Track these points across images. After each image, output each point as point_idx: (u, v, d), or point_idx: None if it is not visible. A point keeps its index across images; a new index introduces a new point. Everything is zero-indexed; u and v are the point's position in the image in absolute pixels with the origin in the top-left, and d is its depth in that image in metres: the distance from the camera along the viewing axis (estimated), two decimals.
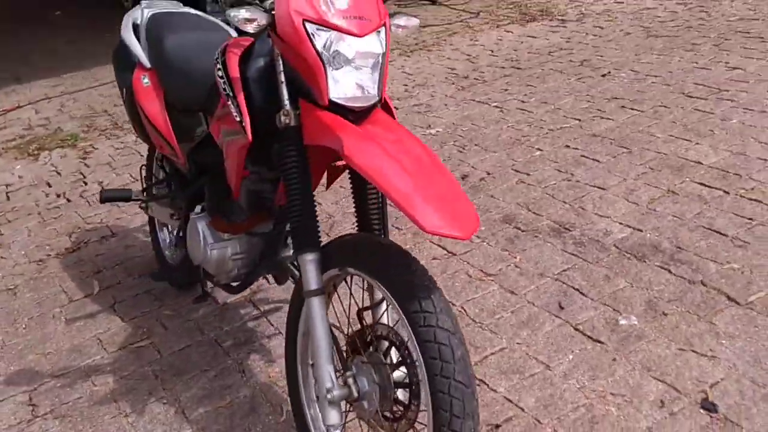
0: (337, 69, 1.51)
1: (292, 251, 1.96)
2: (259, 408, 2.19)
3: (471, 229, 1.36)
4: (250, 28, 1.55)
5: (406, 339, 1.48)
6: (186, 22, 2.43)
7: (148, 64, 2.35)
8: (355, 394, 1.57)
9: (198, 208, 2.19)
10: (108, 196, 2.62)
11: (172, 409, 2.23)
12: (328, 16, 1.49)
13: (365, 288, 1.72)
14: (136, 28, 2.47)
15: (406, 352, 1.50)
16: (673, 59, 5.02)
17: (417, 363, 1.44)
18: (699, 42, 5.36)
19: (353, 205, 1.77)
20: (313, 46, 1.50)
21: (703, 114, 3.97)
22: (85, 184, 4.16)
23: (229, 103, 1.73)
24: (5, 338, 2.74)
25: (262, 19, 1.55)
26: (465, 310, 2.56)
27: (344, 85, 1.52)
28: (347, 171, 1.78)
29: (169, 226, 2.88)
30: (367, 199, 1.71)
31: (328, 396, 1.54)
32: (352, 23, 1.51)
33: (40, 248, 3.44)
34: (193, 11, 2.55)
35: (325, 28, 1.50)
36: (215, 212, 2.10)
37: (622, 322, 2.39)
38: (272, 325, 2.61)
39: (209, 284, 2.46)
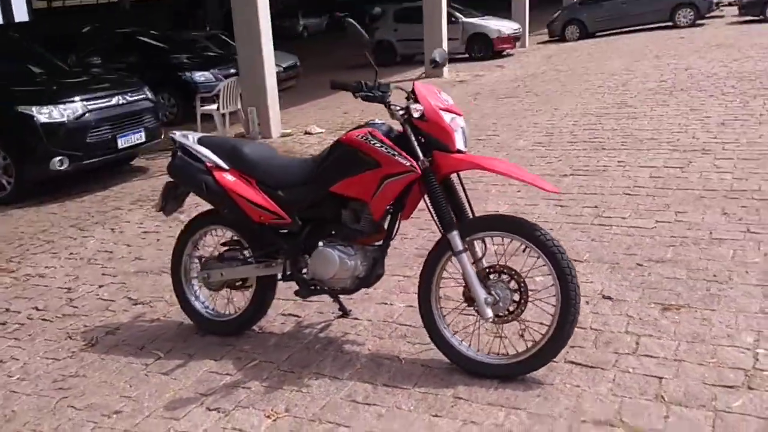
0: (455, 131, 2.89)
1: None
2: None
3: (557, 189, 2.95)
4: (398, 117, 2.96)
5: (518, 269, 2.88)
6: (225, 140, 3.54)
7: (226, 166, 3.28)
8: (497, 299, 2.88)
9: (321, 243, 3.17)
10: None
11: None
12: (448, 107, 2.92)
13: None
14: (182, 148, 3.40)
15: (517, 276, 2.87)
16: None
17: (551, 276, 2.80)
18: None
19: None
20: (445, 121, 2.86)
21: None
22: None
23: (397, 158, 2.88)
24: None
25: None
26: None
27: (459, 140, 2.90)
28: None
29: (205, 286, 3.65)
30: (459, 199, 3.01)
31: (488, 299, 2.86)
32: (455, 109, 2.95)
33: None
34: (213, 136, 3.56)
35: (448, 113, 2.89)
36: (353, 236, 3.13)
37: None
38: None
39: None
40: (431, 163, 2.89)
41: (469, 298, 2.96)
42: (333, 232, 3.19)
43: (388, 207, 3.02)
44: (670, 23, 18.73)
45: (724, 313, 3.26)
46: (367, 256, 3.12)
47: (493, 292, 2.87)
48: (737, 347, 2.97)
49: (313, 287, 3.26)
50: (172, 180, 3.55)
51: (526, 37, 19.06)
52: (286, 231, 3.29)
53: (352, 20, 3.02)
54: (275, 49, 9.49)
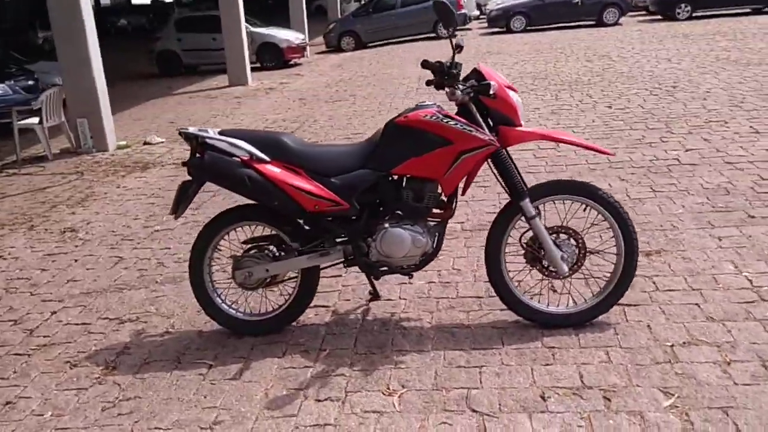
0: (520, 107, 3.12)
1: None
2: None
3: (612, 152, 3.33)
4: (460, 99, 3.10)
5: (578, 229, 3.20)
6: (253, 132, 3.35)
7: (267, 158, 3.15)
8: (565, 255, 3.15)
9: (386, 224, 3.19)
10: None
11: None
12: (509, 84, 3.11)
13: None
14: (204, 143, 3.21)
15: (575, 233, 3.17)
16: None
17: (614, 234, 3.15)
18: None
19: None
20: (512, 98, 3.08)
21: None
22: None
23: (474, 133, 3.02)
24: None
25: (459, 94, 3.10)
26: None
27: (522, 115, 3.13)
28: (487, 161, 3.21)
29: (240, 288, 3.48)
30: (511, 170, 3.15)
31: (563, 256, 3.14)
32: (514, 87, 3.14)
33: None
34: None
35: (511, 90, 3.09)
36: (421, 213, 3.18)
37: None
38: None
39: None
40: (497, 137, 3.08)
41: (534, 259, 3.19)
42: (399, 212, 3.21)
43: (460, 181, 3.14)
44: (433, 34, 20.40)
45: (695, 252, 3.87)
46: (432, 232, 3.20)
47: (563, 250, 3.13)
48: (728, 274, 3.57)
49: (383, 268, 3.25)
50: (189, 180, 3.28)
51: (307, 48, 19.48)
52: (340, 217, 3.24)
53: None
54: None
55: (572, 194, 3.14)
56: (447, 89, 3.12)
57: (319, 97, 11.33)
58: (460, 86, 3.07)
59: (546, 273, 3.20)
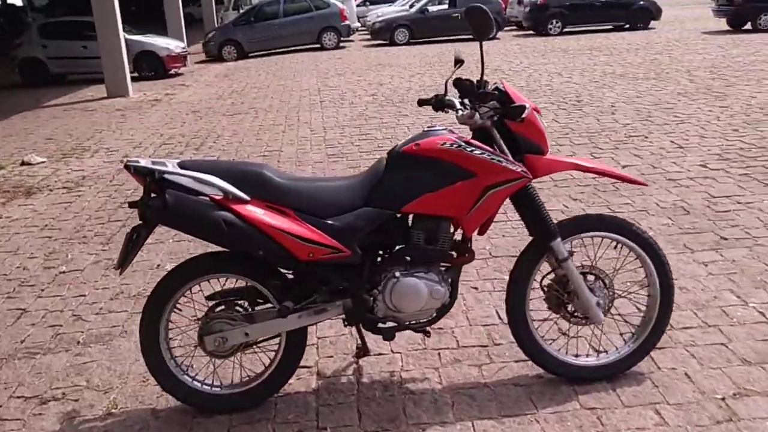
0: (546, 132, 2.66)
1: None
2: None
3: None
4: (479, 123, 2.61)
5: (608, 271, 2.79)
6: (223, 163, 2.66)
7: (246, 197, 2.50)
8: (600, 301, 2.74)
9: (397, 273, 2.62)
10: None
11: None
12: (535, 106, 2.62)
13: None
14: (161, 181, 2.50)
15: (603, 274, 2.76)
16: None
17: (647, 273, 2.77)
18: None
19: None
20: (540, 122, 2.62)
21: None
22: None
23: (504, 164, 2.53)
24: None
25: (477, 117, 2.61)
26: None
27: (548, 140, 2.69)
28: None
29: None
30: (541, 206, 2.70)
31: (599, 303, 2.73)
32: (537, 107, 2.66)
33: None
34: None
35: (536, 112, 2.62)
36: (436, 258, 2.65)
37: None
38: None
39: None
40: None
41: (558, 305, 2.76)
42: (407, 257, 2.66)
43: (485, 221, 2.64)
44: (318, 45, 19.84)
45: (688, 280, 3.61)
46: (445, 279, 2.68)
47: (597, 294, 2.72)
48: (735, 306, 3.32)
49: (394, 325, 2.68)
50: (137, 226, 2.57)
51: (188, 57, 18.28)
52: (338, 266, 2.64)
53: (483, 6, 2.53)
54: None
55: (604, 231, 2.72)
56: (461, 111, 2.62)
57: (214, 110, 10.45)
58: (482, 108, 2.58)
59: (573, 320, 2.78)
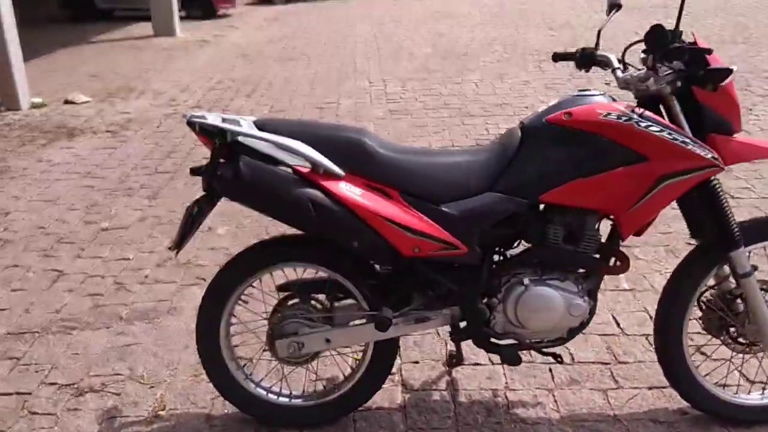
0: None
1: None
2: None
3: None
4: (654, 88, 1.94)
5: None
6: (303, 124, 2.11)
7: (340, 171, 1.94)
8: None
9: (525, 279, 2.05)
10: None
11: None
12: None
13: None
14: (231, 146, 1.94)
15: None
16: None
17: None
18: None
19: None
20: (736, 92, 1.95)
21: None
22: None
23: (690, 147, 1.89)
24: None
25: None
26: None
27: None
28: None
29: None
30: (722, 203, 2.04)
31: None
32: None
33: None
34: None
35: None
36: (580, 262, 2.07)
37: None
38: None
39: None
40: None
41: (720, 327, 2.17)
42: (539, 260, 2.07)
43: (650, 220, 2.04)
44: None
45: None
46: (584, 290, 2.10)
47: None
48: None
49: (515, 343, 2.13)
50: (200, 198, 2.03)
51: None
52: (449, 265, 2.07)
53: None
54: None
55: None
56: (620, 71, 2.01)
57: (264, 55, 9.84)
58: (662, 69, 1.94)
59: (736, 347, 2.18)
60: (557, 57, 2.30)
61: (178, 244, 2.06)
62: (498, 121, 5.86)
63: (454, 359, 2.42)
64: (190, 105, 6.91)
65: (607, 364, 2.52)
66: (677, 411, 2.26)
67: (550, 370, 2.49)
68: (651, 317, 2.67)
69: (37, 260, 3.56)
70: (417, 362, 2.58)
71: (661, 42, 1.84)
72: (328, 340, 2.11)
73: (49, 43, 11.36)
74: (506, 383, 2.43)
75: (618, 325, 2.76)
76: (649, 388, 2.36)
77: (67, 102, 7.24)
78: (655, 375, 2.37)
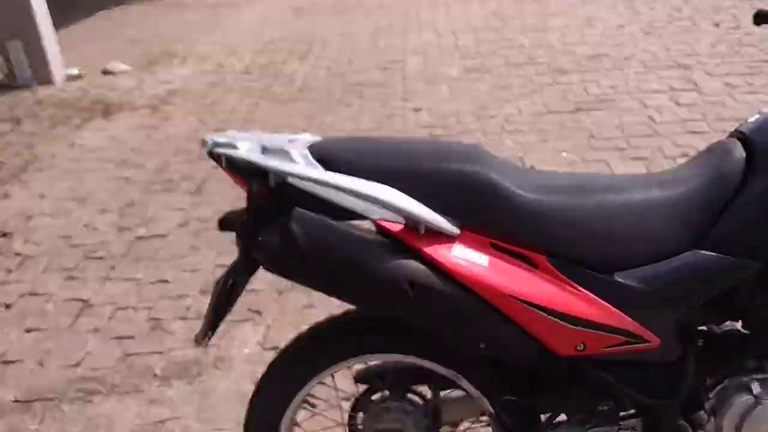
0: None
1: None
2: None
3: None
4: None
5: None
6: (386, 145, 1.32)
7: (455, 230, 1.17)
8: None
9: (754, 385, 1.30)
10: None
11: None
12: None
13: None
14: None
15: None
16: None
17: None
18: None
19: None
20: None
21: None
22: None
23: None
24: None
25: None
26: None
27: None
28: None
29: None
30: None
31: None
32: None
33: None
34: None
35: None
36: None
37: None
38: None
39: None
40: None
41: None
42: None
43: None
44: None
45: None
46: None
47: None
48: None
49: None
50: (233, 267, 1.28)
51: None
52: (629, 364, 1.28)
53: None
54: None
55: None
56: None
57: (316, 6, 8.96)
58: None
59: None
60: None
61: (206, 332, 1.33)
62: (598, 78, 4.91)
63: None
64: (239, 70, 6.16)
65: None
66: None
67: None
68: None
69: (58, 285, 2.92)
70: None
71: None
72: None
73: (89, 5, 10.72)
74: None
75: None
76: None
77: (105, 72, 6.58)
78: None
